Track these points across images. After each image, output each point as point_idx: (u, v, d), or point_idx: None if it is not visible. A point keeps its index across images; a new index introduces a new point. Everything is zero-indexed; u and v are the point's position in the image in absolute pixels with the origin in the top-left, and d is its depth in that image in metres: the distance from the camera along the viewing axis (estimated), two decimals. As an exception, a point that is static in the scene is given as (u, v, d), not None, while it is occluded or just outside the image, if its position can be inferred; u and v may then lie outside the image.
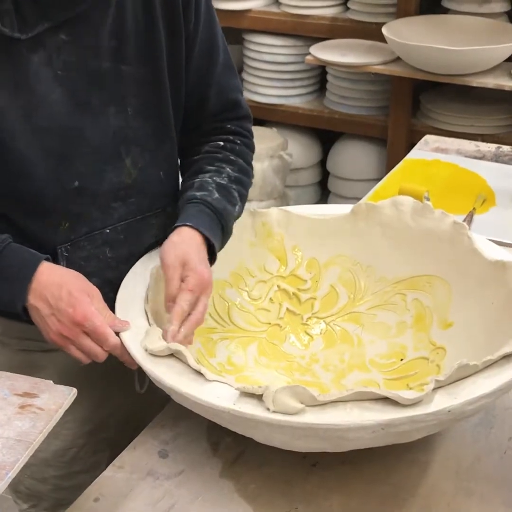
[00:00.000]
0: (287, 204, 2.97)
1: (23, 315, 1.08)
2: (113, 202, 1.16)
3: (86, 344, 1.05)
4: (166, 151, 1.21)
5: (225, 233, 1.18)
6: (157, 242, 1.21)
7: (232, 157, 1.24)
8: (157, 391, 1.23)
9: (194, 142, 1.27)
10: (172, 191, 1.24)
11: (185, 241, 1.12)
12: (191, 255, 1.10)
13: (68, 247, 1.14)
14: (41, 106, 1.07)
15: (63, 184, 1.11)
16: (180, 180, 1.29)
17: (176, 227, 1.15)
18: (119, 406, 1.28)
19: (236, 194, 1.21)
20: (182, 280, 1.09)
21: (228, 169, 1.22)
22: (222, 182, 1.20)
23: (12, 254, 1.07)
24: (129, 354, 1.04)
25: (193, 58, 1.20)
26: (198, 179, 1.21)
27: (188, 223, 1.14)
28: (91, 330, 1.04)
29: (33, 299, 1.05)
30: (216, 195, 1.18)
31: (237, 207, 1.21)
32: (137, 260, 1.20)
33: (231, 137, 1.26)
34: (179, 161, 1.28)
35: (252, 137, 1.30)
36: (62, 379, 1.18)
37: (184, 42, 1.17)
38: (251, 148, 1.29)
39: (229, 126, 1.27)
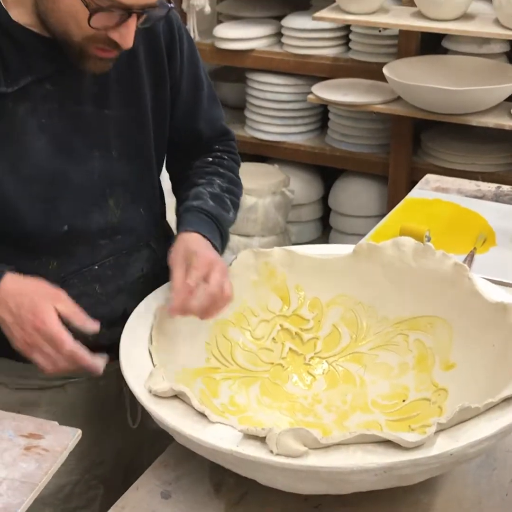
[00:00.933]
0: (289, 240, 2.99)
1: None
2: (101, 240, 1.19)
3: (47, 350, 1.04)
4: (147, 189, 1.25)
5: (224, 238, 1.22)
6: (143, 274, 1.25)
7: (221, 170, 1.30)
8: (148, 426, 1.24)
9: (185, 164, 1.32)
10: (154, 226, 1.28)
11: (187, 241, 1.16)
12: (193, 247, 1.13)
13: (59, 285, 1.15)
14: (27, 155, 1.10)
15: (53, 228, 1.14)
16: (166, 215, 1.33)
17: (178, 235, 1.18)
18: (113, 441, 1.29)
19: (228, 202, 1.26)
20: (187, 268, 1.11)
21: (218, 181, 1.28)
22: (214, 191, 1.25)
23: None
24: (87, 357, 1.03)
25: (181, 95, 1.25)
26: (192, 191, 1.25)
27: (189, 228, 1.17)
28: (49, 336, 1.03)
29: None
30: (211, 203, 1.23)
31: (231, 214, 1.26)
32: (125, 294, 1.22)
33: (219, 154, 1.32)
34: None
35: (237, 151, 1.36)
36: (58, 416, 1.19)
37: (169, 87, 1.22)
38: (238, 163, 1.35)
39: (217, 146, 1.33)
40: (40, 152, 1.10)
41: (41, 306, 1.04)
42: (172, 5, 1.08)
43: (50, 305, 1.05)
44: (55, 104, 1.11)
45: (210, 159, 1.31)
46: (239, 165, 1.35)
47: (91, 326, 1.07)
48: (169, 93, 1.22)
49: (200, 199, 1.23)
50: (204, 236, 1.17)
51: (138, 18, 1.04)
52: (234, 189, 1.29)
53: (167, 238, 1.32)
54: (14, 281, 1.08)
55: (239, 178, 1.33)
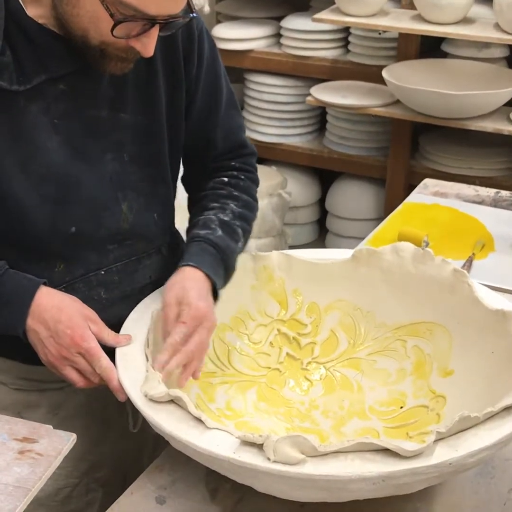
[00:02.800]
0: (286, 242, 2.98)
1: (23, 339, 1.09)
2: (109, 245, 1.18)
3: (82, 363, 1.07)
4: (161, 195, 1.23)
5: (228, 270, 1.20)
6: (151, 282, 1.23)
7: (235, 193, 1.26)
8: (149, 430, 1.23)
9: (200, 178, 1.30)
10: (166, 233, 1.27)
11: (186, 280, 1.14)
12: (189, 292, 1.11)
13: (63, 289, 1.15)
14: (38, 154, 1.09)
15: (60, 230, 1.12)
16: (175, 219, 1.32)
17: (179, 267, 1.16)
18: (113, 445, 1.28)
19: (239, 231, 1.23)
20: (179, 316, 1.10)
21: (232, 205, 1.24)
22: (225, 219, 1.22)
23: (10, 280, 1.09)
24: (118, 380, 1.06)
25: (196, 100, 1.22)
26: (202, 217, 1.23)
27: (190, 263, 1.15)
28: (86, 350, 1.06)
29: (31, 322, 1.07)
30: (219, 232, 1.20)
31: (239, 244, 1.23)
32: (131, 300, 1.21)
33: (235, 173, 1.29)
34: (175, 201, 1.30)
35: (256, 171, 1.33)
36: (59, 419, 1.19)
37: (184, 92, 1.19)
38: (256, 183, 1.32)
39: (233, 163, 1.29)
40: (51, 152, 1.09)
41: (78, 322, 1.07)
42: (195, 14, 1.06)
43: (86, 323, 1.08)
44: (69, 104, 1.09)
45: (226, 179, 1.27)
46: (257, 185, 1.32)
47: (125, 341, 1.10)
48: (184, 99, 1.20)
49: (208, 228, 1.20)
50: (205, 273, 1.15)
51: (160, 28, 1.02)
52: (247, 214, 1.26)
53: (177, 245, 1.30)
54: (49, 295, 1.09)
55: (255, 200, 1.30)
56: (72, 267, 1.15)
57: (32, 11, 1.06)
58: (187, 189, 1.33)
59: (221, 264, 1.18)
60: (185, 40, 1.17)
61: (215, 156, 1.28)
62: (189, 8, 1.04)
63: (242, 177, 1.29)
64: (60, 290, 1.13)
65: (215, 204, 1.24)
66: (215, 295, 1.16)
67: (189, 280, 1.13)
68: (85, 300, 1.13)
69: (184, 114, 1.21)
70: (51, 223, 1.11)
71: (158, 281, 1.23)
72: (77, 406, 1.24)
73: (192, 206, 1.30)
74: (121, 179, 1.15)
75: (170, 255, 1.26)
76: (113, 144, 1.14)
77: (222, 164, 1.29)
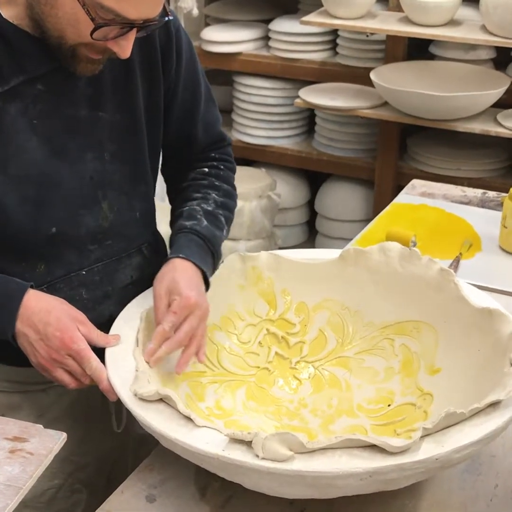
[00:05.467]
0: (275, 244, 2.99)
1: (13, 343, 1.09)
2: (90, 245, 1.19)
3: (72, 365, 1.08)
4: (142, 193, 1.24)
5: (216, 258, 1.23)
6: (133, 282, 1.24)
7: (217, 183, 1.29)
8: (133, 430, 1.24)
9: (181, 171, 1.32)
10: (148, 231, 1.28)
11: (176, 271, 1.15)
12: (179, 282, 1.13)
13: (45, 289, 1.15)
14: (18, 155, 1.09)
15: (41, 230, 1.13)
16: (161, 222, 1.33)
17: (168, 259, 1.18)
18: (97, 445, 1.29)
19: (222, 219, 1.26)
20: (169, 306, 1.12)
21: (213, 194, 1.28)
22: (209, 208, 1.25)
23: None
24: (108, 381, 1.06)
25: (177, 97, 1.24)
26: (186, 207, 1.25)
27: (180, 255, 1.17)
28: (76, 352, 1.07)
29: (20, 326, 1.08)
30: (205, 223, 1.23)
31: (224, 231, 1.26)
32: (113, 300, 1.22)
33: (215, 164, 1.32)
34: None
35: (233, 159, 1.36)
36: (41, 420, 1.19)
37: (162, 89, 1.21)
38: (233, 171, 1.35)
39: (213, 154, 1.32)
40: (31, 152, 1.10)
41: (67, 324, 1.08)
42: (171, 17, 1.08)
43: (75, 325, 1.09)
44: (47, 104, 1.10)
45: (207, 169, 1.30)
46: (234, 172, 1.35)
47: (115, 341, 1.11)
48: (163, 97, 1.22)
49: (194, 219, 1.23)
50: (195, 264, 1.17)
51: (137, 30, 1.04)
52: (228, 203, 1.29)
53: (158, 244, 1.32)
54: (37, 298, 1.09)
55: (234, 188, 1.33)
56: (53, 268, 1.16)
57: (6, 12, 1.06)
58: (166, 180, 1.36)
59: (209, 253, 1.21)
60: (162, 39, 1.18)
61: (196, 150, 1.31)
62: (164, 11, 1.05)
63: (222, 167, 1.32)
64: (41, 290, 1.14)
65: (198, 194, 1.27)
66: (207, 284, 1.19)
67: (179, 271, 1.15)
68: (66, 300, 1.13)
69: (163, 112, 1.23)
70: (32, 224, 1.12)
71: (139, 281, 1.25)
72: (60, 407, 1.25)
73: (174, 197, 1.32)
74: (101, 178, 1.17)
75: (151, 255, 1.28)
76: (93, 143, 1.15)
77: (203, 156, 1.32)
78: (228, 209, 1.29)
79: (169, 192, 1.35)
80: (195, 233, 1.21)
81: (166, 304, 1.12)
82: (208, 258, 1.21)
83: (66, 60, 1.07)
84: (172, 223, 1.27)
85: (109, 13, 1.00)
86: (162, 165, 1.34)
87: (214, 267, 1.23)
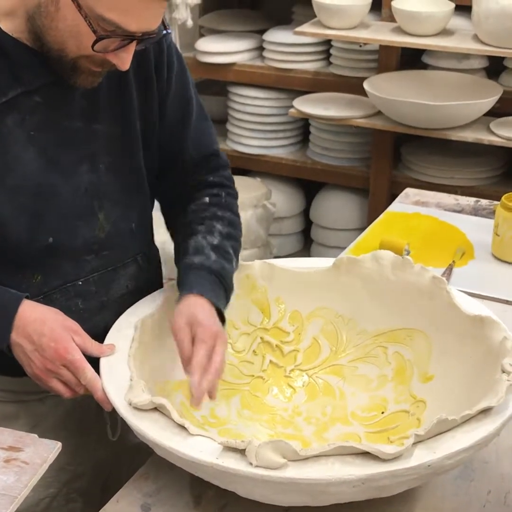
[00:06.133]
0: (270, 253, 3.00)
1: (8, 353, 1.10)
2: (86, 255, 1.19)
3: (67, 375, 1.08)
4: (138, 204, 1.24)
5: (228, 291, 1.22)
6: (128, 292, 1.25)
7: (219, 213, 1.27)
8: (128, 439, 1.24)
9: (180, 196, 1.30)
10: (144, 242, 1.28)
11: (192, 305, 1.15)
12: (198, 314, 1.13)
13: (41, 299, 1.16)
14: (14, 166, 1.10)
15: (37, 241, 1.14)
16: (154, 232, 1.32)
17: (182, 295, 1.17)
18: (92, 454, 1.29)
19: (230, 251, 1.24)
20: (193, 338, 1.12)
21: (218, 226, 1.25)
22: (215, 242, 1.23)
23: None
24: (103, 391, 1.07)
25: (167, 112, 1.24)
26: (192, 241, 1.23)
27: (193, 291, 1.17)
28: (71, 363, 1.08)
29: (15, 336, 1.08)
30: (213, 257, 1.21)
31: (233, 262, 1.25)
32: (108, 310, 1.22)
33: (215, 191, 1.29)
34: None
35: (233, 183, 1.34)
36: (36, 429, 1.19)
37: (156, 100, 1.21)
38: (235, 197, 1.33)
39: (211, 178, 1.30)
40: (27, 164, 1.10)
41: (61, 335, 1.08)
42: (169, 31, 1.09)
43: (69, 335, 1.09)
44: (44, 116, 1.11)
45: (207, 199, 1.28)
46: (236, 198, 1.33)
47: (109, 351, 1.12)
48: (157, 105, 1.22)
49: (202, 254, 1.21)
50: (208, 299, 1.16)
51: (137, 43, 1.05)
52: (233, 233, 1.27)
53: (153, 253, 1.32)
54: (32, 309, 1.10)
55: (238, 216, 1.31)
56: (49, 278, 1.17)
57: (5, 25, 1.07)
58: (162, 203, 1.33)
59: (221, 286, 1.20)
60: (156, 52, 1.19)
61: (187, 168, 1.29)
62: (163, 25, 1.07)
63: (223, 194, 1.30)
64: (38, 300, 1.14)
65: (201, 227, 1.25)
66: (222, 319, 1.18)
67: (195, 305, 1.15)
68: (62, 311, 1.14)
69: (157, 121, 1.23)
70: (28, 234, 1.13)
71: (135, 291, 1.25)
72: (55, 416, 1.25)
73: (176, 230, 1.29)
74: (97, 189, 1.17)
75: (146, 265, 1.28)
76: (88, 154, 1.16)
77: (199, 180, 1.29)
78: (235, 239, 1.27)
79: (168, 219, 1.32)
80: (205, 269, 1.19)
81: (189, 335, 1.12)
82: (221, 292, 1.20)
83: (66, 72, 1.08)
84: (177, 256, 1.25)
85: (111, 25, 1.01)
86: (159, 193, 1.32)
87: (227, 299, 1.21)
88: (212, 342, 1.11)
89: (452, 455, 0.94)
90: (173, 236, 1.31)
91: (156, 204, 1.34)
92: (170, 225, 1.32)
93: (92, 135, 1.16)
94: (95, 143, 1.16)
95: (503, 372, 1.04)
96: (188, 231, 1.25)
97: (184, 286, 1.19)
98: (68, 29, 1.02)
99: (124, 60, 1.05)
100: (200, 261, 1.20)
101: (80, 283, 1.19)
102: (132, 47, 1.05)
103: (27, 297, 1.11)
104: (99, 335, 1.15)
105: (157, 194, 1.31)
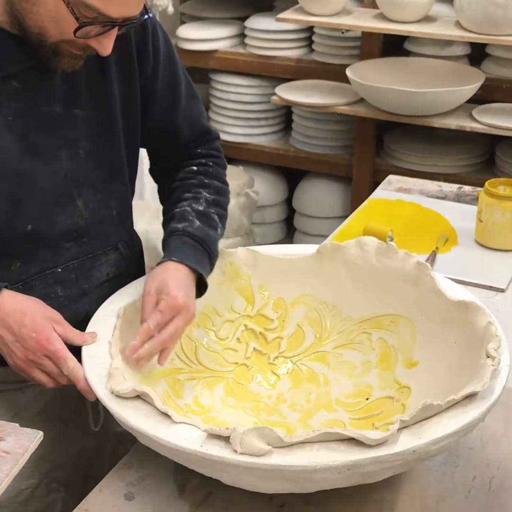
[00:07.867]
0: (254, 241, 2.99)
1: None
2: (65, 243, 1.18)
3: (49, 365, 1.08)
4: (118, 191, 1.23)
5: (212, 258, 1.22)
6: (109, 279, 1.24)
7: (206, 181, 1.28)
8: (110, 428, 1.23)
9: (170, 170, 1.31)
10: (124, 229, 1.27)
11: (167, 272, 1.15)
12: (169, 283, 1.13)
13: (20, 287, 1.14)
14: None
15: (16, 228, 1.12)
16: (136, 220, 1.32)
17: (161, 261, 1.17)
18: (73, 444, 1.28)
19: (215, 217, 1.25)
20: (157, 305, 1.12)
21: (204, 193, 1.26)
22: (200, 208, 1.24)
23: None
24: (85, 381, 1.06)
25: (157, 93, 1.23)
26: (178, 209, 1.24)
27: (173, 258, 1.17)
28: (52, 353, 1.07)
29: None
30: (197, 223, 1.21)
31: (218, 229, 1.25)
32: (89, 298, 1.21)
33: (203, 161, 1.30)
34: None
35: (222, 154, 1.34)
36: (16, 419, 1.18)
37: (138, 85, 1.21)
38: (224, 167, 1.33)
39: (200, 150, 1.31)
40: (5, 150, 1.09)
41: (42, 325, 1.07)
42: (151, 15, 1.08)
43: (50, 325, 1.08)
44: (23, 102, 1.09)
45: (195, 168, 1.29)
46: (225, 168, 1.33)
47: (91, 339, 1.11)
48: (139, 94, 1.21)
49: (186, 220, 1.21)
50: (189, 266, 1.16)
51: (119, 29, 1.04)
52: (220, 199, 1.28)
53: (134, 242, 1.31)
54: (12, 299, 1.08)
55: (226, 184, 1.31)
56: (28, 266, 1.15)
57: None
58: (156, 180, 1.35)
59: (205, 253, 1.20)
60: (138, 36, 1.18)
61: (181, 145, 1.30)
62: (144, 9, 1.06)
63: (210, 163, 1.30)
64: (17, 288, 1.13)
65: (188, 194, 1.26)
66: (205, 285, 1.19)
67: (170, 272, 1.15)
68: (42, 298, 1.13)
69: (140, 109, 1.22)
70: (7, 222, 1.11)
71: (116, 278, 1.24)
72: (36, 406, 1.24)
73: (165, 197, 1.31)
74: (76, 176, 1.16)
75: (128, 253, 1.27)
76: (68, 140, 1.14)
77: (189, 153, 1.31)
78: (221, 206, 1.27)
79: (160, 193, 1.33)
80: (188, 235, 1.20)
81: (153, 302, 1.12)
82: (204, 259, 1.20)
83: (47, 56, 1.06)
84: (164, 225, 1.26)
85: (93, 11, 1.00)
86: (151, 165, 1.34)
87: (211, 266, 1.22)
88: (170, 314, 1.11)
89: (437, 441, 0.94)
90: (163, 204, 1.31)
91: (137, 192, 1.33)
92: (163, 198, 1.32)
93: (72, 120, 1.14)
94: (75, 128, 1.15)
95: (488, 357, 1.04)
96: (175, 198, 1.26)
97: (165, 252, 1.19)
98: (49, 14, 1.01)
99: (105, 45, 1.05)
100: (183, 227, 1.20)
101: (60, 270, 1.18)
102: (114, 32, 1.04)
103: (7, 287, 1.09)
104: (80, 323, 1.14)
105: (153, 175, 1.33)
